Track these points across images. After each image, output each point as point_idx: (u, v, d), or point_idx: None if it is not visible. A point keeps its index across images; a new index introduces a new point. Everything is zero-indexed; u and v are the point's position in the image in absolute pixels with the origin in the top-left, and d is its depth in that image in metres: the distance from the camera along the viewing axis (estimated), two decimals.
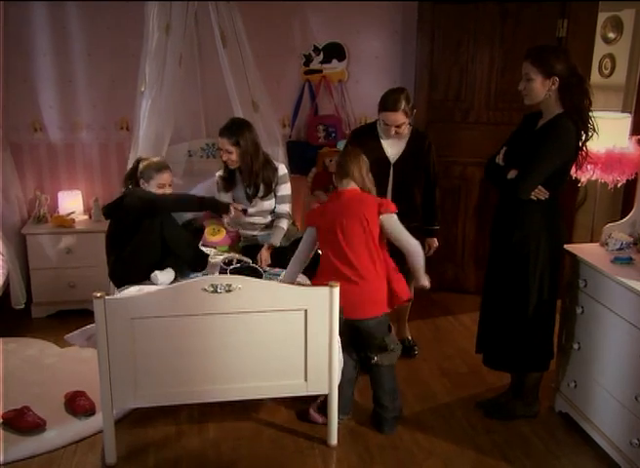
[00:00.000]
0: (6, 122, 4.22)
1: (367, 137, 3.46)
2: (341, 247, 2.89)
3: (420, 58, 4.44)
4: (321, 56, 4.68)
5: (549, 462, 2.88)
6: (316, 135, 4.68)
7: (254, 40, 4.08)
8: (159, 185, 3.47)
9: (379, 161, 3.36)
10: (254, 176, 3.54)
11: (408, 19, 4.59)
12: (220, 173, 3.68)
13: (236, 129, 3.49)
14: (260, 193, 3.58)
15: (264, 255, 3.47)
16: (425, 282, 3.04)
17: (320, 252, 3.10)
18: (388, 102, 3.30)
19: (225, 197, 3.67)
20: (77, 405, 3.15)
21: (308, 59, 4.68)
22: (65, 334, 3.04)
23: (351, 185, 2.97)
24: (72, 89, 4.46)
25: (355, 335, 3.02)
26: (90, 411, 3.13)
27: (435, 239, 3.64)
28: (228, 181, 3.63)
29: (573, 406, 3.08)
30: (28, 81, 4.39)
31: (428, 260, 3.24)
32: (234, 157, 3.49)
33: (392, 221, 2.94)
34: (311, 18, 4.60)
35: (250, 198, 3.59)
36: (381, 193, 3.33)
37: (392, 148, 3.46)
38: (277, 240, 3.56)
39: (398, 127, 3.32)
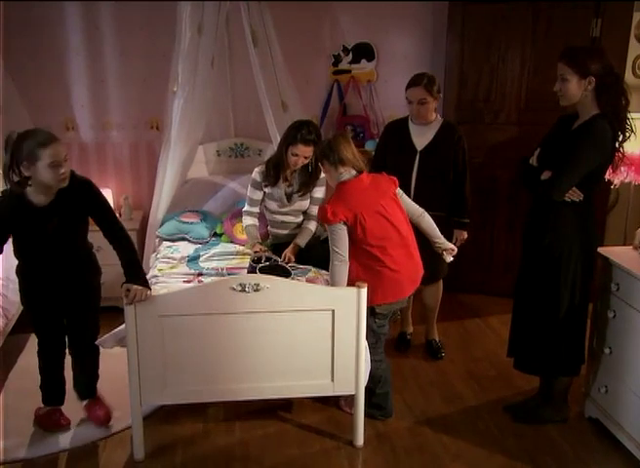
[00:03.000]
0: (40, 120, 4.28)
1: (397, 127, 3.59)
2: (390, 229, 2.87)
3: (449, 58, 4.41)
4: (350, 56, 4.67)
5: None
6: None
7: (283, 40, 4.08)
8: (51, 164, 2.58)
9: (406, 149, 3.46)
10: (318, 174, 3.54)
11: (438, 19, 4.56)
12: (260, 170, 3.58)
13: (316, 133, 3.44)
14: (301, 192, 3.56)
15: (289, 255, 3.47)
16: (450, 244, 3.15)
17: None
18: (411, 79, 3.44)
19: (259, 195, 3.61)
20: (93, 415, 3.12)
21: (337, 60, 4.67)
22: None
23: (351, 172, 2.90)
24: (104, 88, 4.52)
25: None
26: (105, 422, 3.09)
27: (464, 232, 3.60)
28: (272, 179, 3.55)
29: (603, 411, 3.03)
30: (61, 80, 4.45)
31: (457, 262, 3.23)
32: (308, 159, 3.47)
33: (402, 194, 3.06)
34: (341, 18, 4.60)
35: (289, 197, 3.58)
36: (406, 180, 3.40)
37: (420, 137, 3.50)
38: (303, 241, 3.55)
39: (421, 104, 3.38)
